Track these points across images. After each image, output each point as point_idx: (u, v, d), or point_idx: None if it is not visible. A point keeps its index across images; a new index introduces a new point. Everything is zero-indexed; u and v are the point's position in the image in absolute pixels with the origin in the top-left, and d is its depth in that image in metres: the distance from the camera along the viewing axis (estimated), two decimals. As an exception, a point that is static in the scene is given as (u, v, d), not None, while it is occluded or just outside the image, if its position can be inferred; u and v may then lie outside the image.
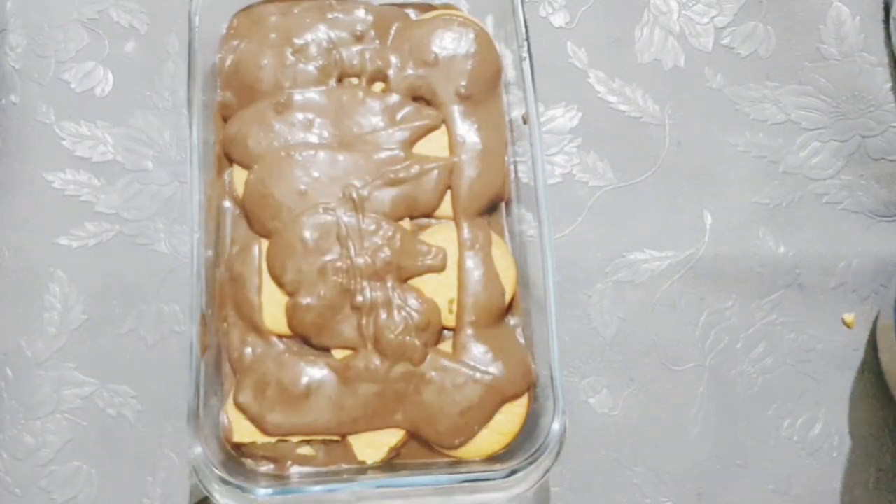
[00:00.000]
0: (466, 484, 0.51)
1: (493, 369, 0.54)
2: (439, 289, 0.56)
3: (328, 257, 0.55)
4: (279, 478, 0.53)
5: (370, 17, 0.61)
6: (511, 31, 0.59)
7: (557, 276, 0.55)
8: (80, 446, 0.58)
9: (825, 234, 0.63)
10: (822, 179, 0.64)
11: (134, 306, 0.60)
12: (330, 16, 0.61)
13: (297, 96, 0.59)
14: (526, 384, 0.55)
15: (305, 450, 0.54)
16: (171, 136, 0.64)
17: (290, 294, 0.55)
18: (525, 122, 0.57)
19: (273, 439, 0.54)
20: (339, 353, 0.55)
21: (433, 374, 0.54)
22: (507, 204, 0.60)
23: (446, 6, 0.63)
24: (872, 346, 0.61)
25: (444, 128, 0.59)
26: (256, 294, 0.56)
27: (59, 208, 0.62)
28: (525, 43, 0.58)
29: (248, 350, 0.55)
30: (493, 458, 0.54)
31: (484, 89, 0.60)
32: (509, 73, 0.61)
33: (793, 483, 0.59)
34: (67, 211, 0.62)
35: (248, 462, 0.54)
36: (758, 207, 0.64)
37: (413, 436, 0.55)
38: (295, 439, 0.54)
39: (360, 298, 0.54)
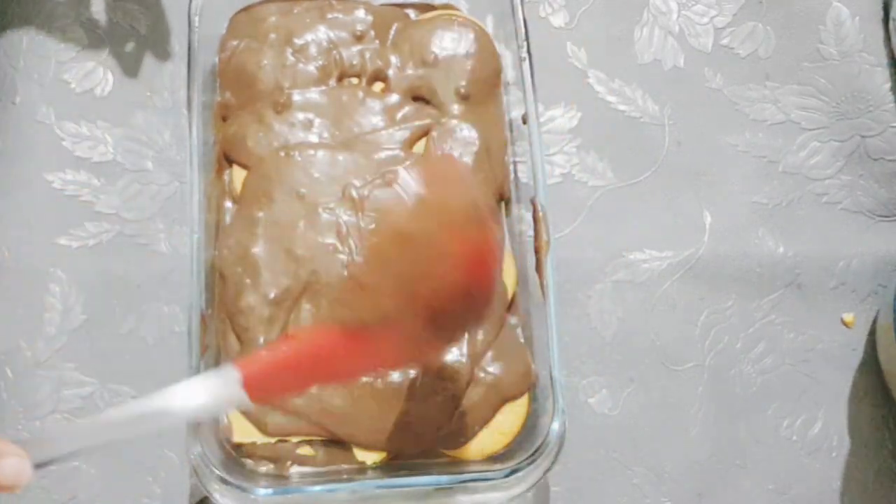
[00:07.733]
0: (466, 484, 0.51)
1: (493, 369, 0.54)
2: (439, 289, 0.56)
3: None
4: (279, 478, 0.53)
5: (370, 17, 0.61)
6: (511, 31, 0.59)
7: (557, 276, 0.55)
8: (80, 446, 0.58)
9: (825, 233, 0.63)
10: (821, 179, 0.64)
11: (134, 306, 0.60)
12: (330, 16, 0.61)
13: (297, 96, 0.59)
14: (526, 384, 0.55)
15: (305, 450, 0.54)
16: (171, 137, 0.64)
17: (290, 294, 0.55)
18: (525, 122, 0.57)
19: (273, 439, 0.54)
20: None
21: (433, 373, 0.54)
22: (507, 204, 0.60)
23: (446, 6, 0.63)
24: (872, 346, 0.61)
25: (443, 128, 0.59)
26: (256, 294, 0.56)
27: (59, 208, 0.62)
28: (525, 43, 0.58)
29: (248, 350, 0.55)
30: (493, 458, 0.54)
31: (484, 89, 0.60)
32: (509, 73, 0.61)
33: (792, 483, 0.59)
34: (67, 211, 0.62)
35: (248, 462, 0.54)
36: (757, 207, 0.64)
37: (413, 435, 0.55)
38: (295, 439, 0.54)
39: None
